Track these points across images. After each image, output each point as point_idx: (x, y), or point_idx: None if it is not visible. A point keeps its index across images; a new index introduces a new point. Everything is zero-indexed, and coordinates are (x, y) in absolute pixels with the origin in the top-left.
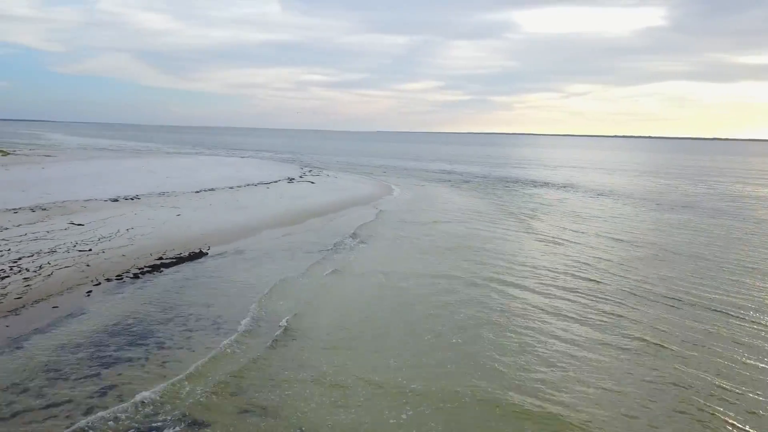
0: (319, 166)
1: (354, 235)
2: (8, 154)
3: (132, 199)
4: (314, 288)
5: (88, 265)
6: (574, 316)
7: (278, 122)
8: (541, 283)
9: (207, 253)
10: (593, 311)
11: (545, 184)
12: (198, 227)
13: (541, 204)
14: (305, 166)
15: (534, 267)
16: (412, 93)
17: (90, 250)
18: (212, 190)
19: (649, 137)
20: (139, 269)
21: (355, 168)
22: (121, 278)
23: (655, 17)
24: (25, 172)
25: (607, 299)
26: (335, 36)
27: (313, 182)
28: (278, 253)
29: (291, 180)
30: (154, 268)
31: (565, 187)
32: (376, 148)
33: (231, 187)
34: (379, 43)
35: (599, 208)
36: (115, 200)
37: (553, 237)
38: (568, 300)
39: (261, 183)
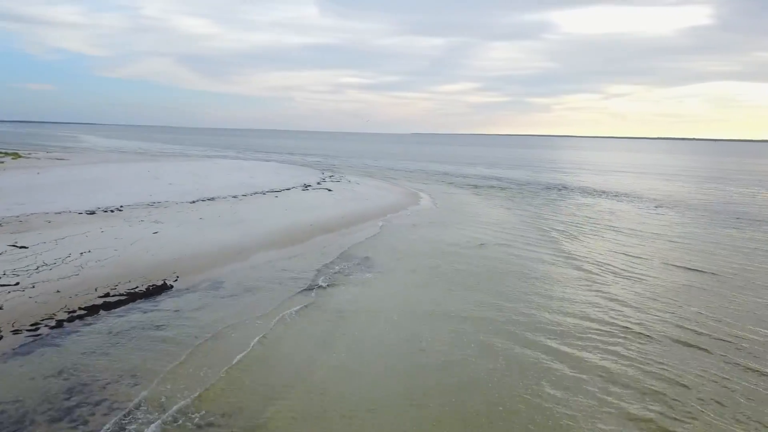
0: (344, 171)
1: (361, 262)
2: (20, 157)
3: (113, 210)
4: (274, 353)
5: (0, 308)
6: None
7: (315, 125)
8: (597, 344)
9: (172, 287)
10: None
11: (593, 192)
12: (173, 250)
13: (589, 218)
14: (327, 171)
15: (585, 315)
16: (449, 95)
17: (17, 284)
18: (212, 199)
19: (694, 139)
20: (70, 312)
21: (384, 172)
22: (37, 328)
23: (700, 16)
24: (14, 178)
25: (691, 373)
26: (372, 38)
27: (330, 190)
28: (264, 286)
29: (306, 187)
30: (91, 311)
31: (616, 195)
32: (411, 151)
33: (235, 197)
34: (416, 45)
35: (660, 224)
36: (92, 213)
37: (609, 267)
38: (633, 370)
39: (271, 191)
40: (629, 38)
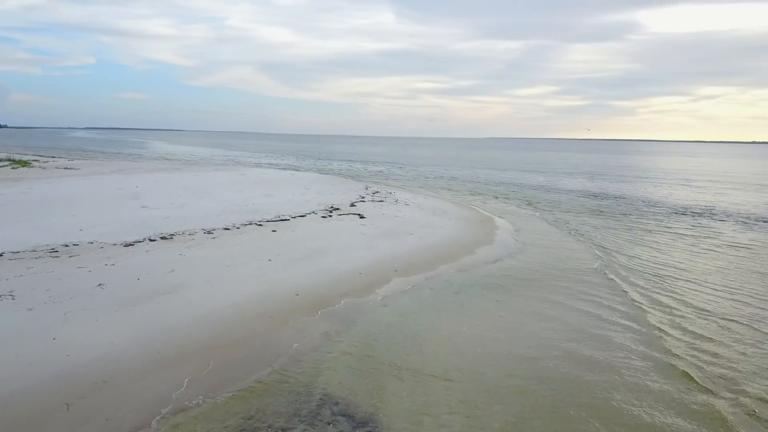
0: (399, 182)
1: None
2: (28, 164)
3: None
4: None
5: None
6: None
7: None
8: None
9: None
10: None
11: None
12: None
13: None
14: (376, 184)
15: None
16: (526, 99)
17: None
18: (169, 237)
19: None
20: None
21: (450, 184)
22: None
23: None
24: None
25: None
26: (447, 43)
27: (363, 216)
28: None
29: (330, 212)
30: None
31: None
32: (490, 157)
33: (210, 232)
34: (493, 48)
35: None
36: None
37: None
38: None
39: (278, 218)
40: (721, 37)
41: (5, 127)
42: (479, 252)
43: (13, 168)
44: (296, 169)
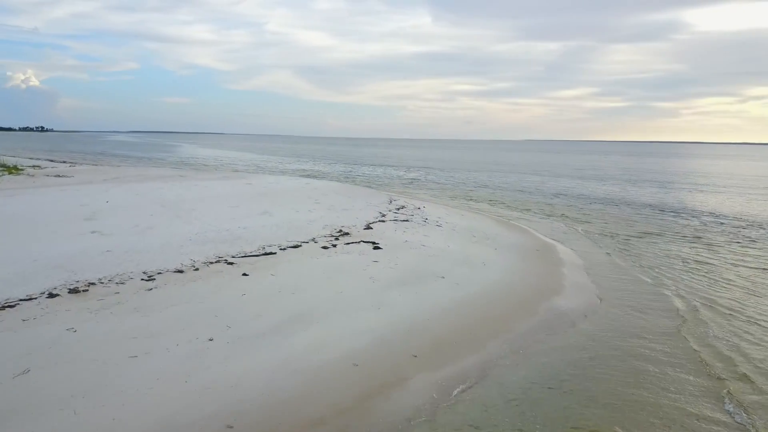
0: (430, 194)
1: None
2: (16, 171)
3: None
4: None
5: None
6: None
7: (427, 132)
8: None
9: None
10: None
11: None
12: None
13: None
14: (402, 197)
15: None
16: (565, 100)
17: None
18: (85, 290)
19: None
20: None
21: (493, 195)
22: None
23: None
24: None
25: None
26: (485, 45)
27: (377, 246)
28: None
29: (336, 239)
30: None
31: None
32: (531, 161)
33: (151, 278)
34: (531, 50)
35: None
36: None
37: None
38: None
39: (263, 251)
40: None
41: (51, 131)
42: (546, 308)
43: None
44: (317, 176)
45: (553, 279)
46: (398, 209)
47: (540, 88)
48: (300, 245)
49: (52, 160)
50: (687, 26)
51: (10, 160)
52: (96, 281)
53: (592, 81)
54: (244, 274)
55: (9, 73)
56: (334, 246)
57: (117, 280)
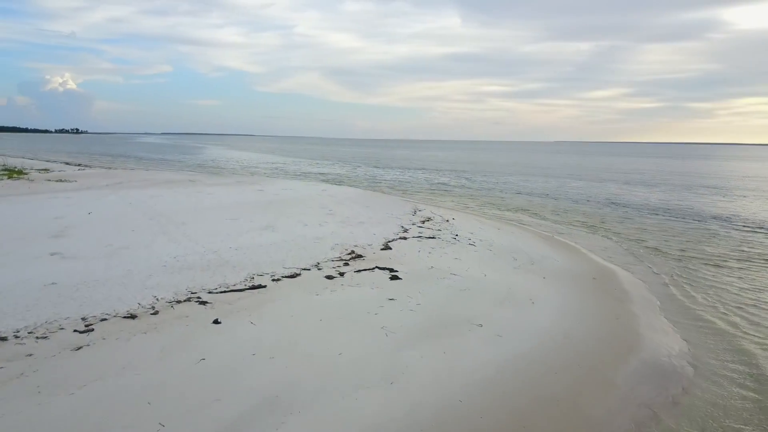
0: (460, 201)
1: None
2: (18, 175)
3: None
4: None
5: None
6: None
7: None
8: None
9: None
10: None
11: None
12: None
13: None
14: (422, 208)
15: None
16: (596, 101)
17: None
18: None
19: None
20: None
21: (530, 204)
22: None
23: None
24: None
25: None
26: (515, 46)
27: (395, 274)
28: None
29: (345, 264)
30: None
31: None
32: (563, 162)
33: (87, 330)
34: (562, 50)
35: None
36: None
37: None
38: None
39: (250, 282)
40: None
41: (85, 132)
42: (626, 377)
43: None
44: (338, 180)
45: (624, 325)
46: (423, 222)
47: (570, 89)
48: (299, 274)
49: (67, 163)
50: (724, 25)
51: (27, 163)
52: (10, 334)
53: (625, 81)
54: (216, 322)
55: (47, 77)
56: (342, 275)
57: (41, 332)
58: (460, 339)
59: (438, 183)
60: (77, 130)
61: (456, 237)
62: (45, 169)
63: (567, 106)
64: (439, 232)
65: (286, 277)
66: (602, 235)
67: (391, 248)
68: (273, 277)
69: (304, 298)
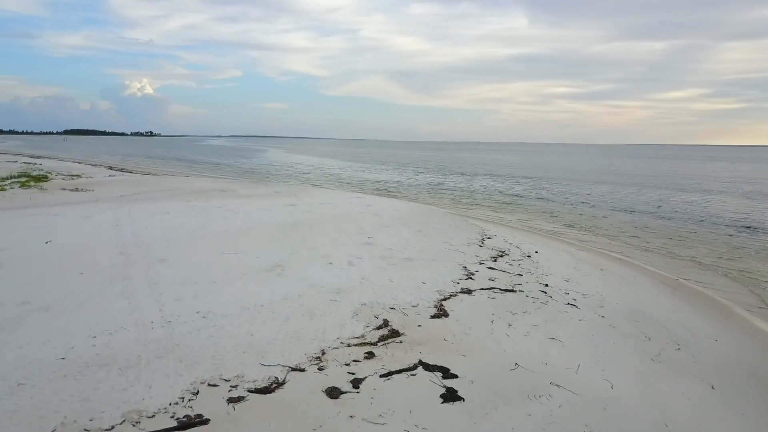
0: (543, 222)
1: None
2: (39, 182)
3: None
4: None
5: None
6: None
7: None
8: None
9: None
10: None
11: None
12: None
13: None
14: (492, 234)
15: None
16: (671, 102)
17: None
18: None
19: None
20: None
21: (635, 222)
22: None
23: None
24: None
25: None
26: (584, 46)
27: (454, 390)
28: None
29: (368, 355)
30: None
31: None
32: (648, 167)
33: None
34: (633, 50)
35: None
36: None
37: None
38: None
39: (194, 413)
40: None
41: (159, 135)
42: None
43: (22, 187)
44: (393, 190)
45: None
46: (496, 259)
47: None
48: (282, 382)
49: (111, 167)
50: None
51: (69, 167)
52: None
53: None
54: None
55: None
56: (357, 385)
57: None
58: None
59: (511, 195)
60: (151, 132)
61: (546, 288)
62: (77, 175)
63: (638, 107)
64: (520, 278)
65: (254, 391)
66: (749, 278)
67: (447, 314)
68: (231, 393)
69: None
